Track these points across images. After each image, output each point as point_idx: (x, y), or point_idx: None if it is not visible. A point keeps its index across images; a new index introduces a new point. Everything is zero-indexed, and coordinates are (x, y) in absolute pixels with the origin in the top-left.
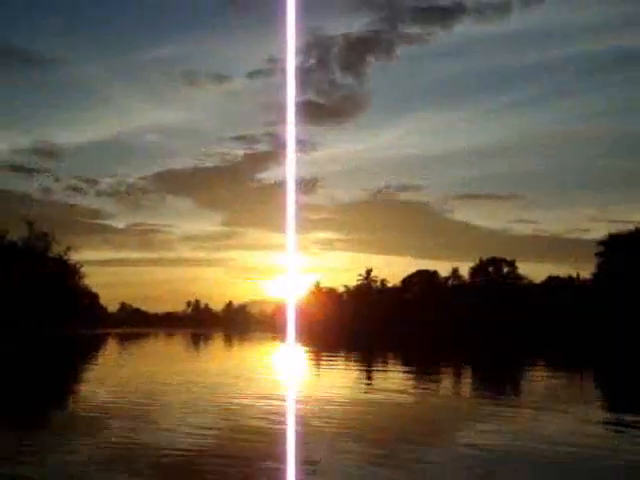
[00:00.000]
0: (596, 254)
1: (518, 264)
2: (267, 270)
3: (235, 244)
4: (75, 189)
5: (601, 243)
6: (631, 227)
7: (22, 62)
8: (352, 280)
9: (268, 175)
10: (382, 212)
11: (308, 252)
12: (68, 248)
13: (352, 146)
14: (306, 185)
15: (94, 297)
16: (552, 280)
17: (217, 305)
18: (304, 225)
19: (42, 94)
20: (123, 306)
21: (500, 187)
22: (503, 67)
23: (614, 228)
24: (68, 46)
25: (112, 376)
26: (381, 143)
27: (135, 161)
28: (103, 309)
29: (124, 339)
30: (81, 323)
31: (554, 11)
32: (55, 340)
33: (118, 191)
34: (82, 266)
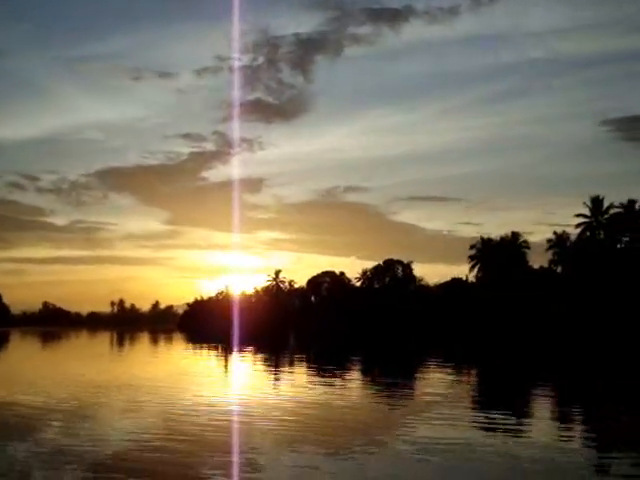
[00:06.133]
0: (469, 257)
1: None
2: (209, 270)
3: (178, 243)
4: (15, 185)
5: (472, 247)
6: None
7: None
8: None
9: (214, 174)
10: (328, 213)
11: (253, 252)
12: None
13: (299, 146)
14: (253, 184)
15: None
16: (452, 281)
17: (146, 305)
18: (250, 224)
19: None
20: (45, 305)
21: (446, 189)
22: (450, 70)
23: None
24: (8, 38)
25: None
26: (328, 143)
27: (77, 158)
28: (6, 308)
29: (22, 339)
30: None
31: (502, 15)
32: None
33: (59, 188)
34: None
